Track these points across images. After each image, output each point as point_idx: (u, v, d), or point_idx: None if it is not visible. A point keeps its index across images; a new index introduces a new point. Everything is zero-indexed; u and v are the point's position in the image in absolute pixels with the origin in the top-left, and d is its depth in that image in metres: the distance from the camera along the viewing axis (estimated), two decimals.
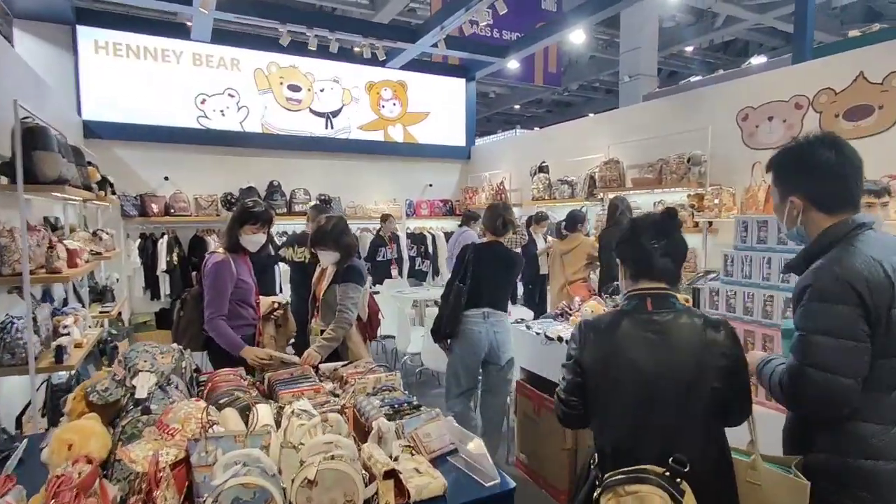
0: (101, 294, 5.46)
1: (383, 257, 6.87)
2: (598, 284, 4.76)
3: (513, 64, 8.55)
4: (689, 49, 13.02)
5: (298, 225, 7.25)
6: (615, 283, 3.59)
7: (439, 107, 8.80)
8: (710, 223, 4.76)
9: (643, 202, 5.55)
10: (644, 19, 10.10)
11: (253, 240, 2.83)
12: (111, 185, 5.34)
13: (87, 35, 6.42)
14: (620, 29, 10.64)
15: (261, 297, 3.02)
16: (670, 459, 1.30)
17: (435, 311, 6.41)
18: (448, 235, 7.64)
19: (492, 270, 3.21)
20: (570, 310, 3.52)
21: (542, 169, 7.01)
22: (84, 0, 6.40)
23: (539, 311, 5.50)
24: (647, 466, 1.32)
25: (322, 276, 3.13)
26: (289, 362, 2.66)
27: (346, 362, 2.60)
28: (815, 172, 1.39)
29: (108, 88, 6.54)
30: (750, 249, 2.12)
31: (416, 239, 7.88)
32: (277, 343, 3.02)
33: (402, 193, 8.40)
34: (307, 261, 4.39)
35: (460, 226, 6.73)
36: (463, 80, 8.97)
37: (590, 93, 17.12)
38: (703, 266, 4.81)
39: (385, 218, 6.99)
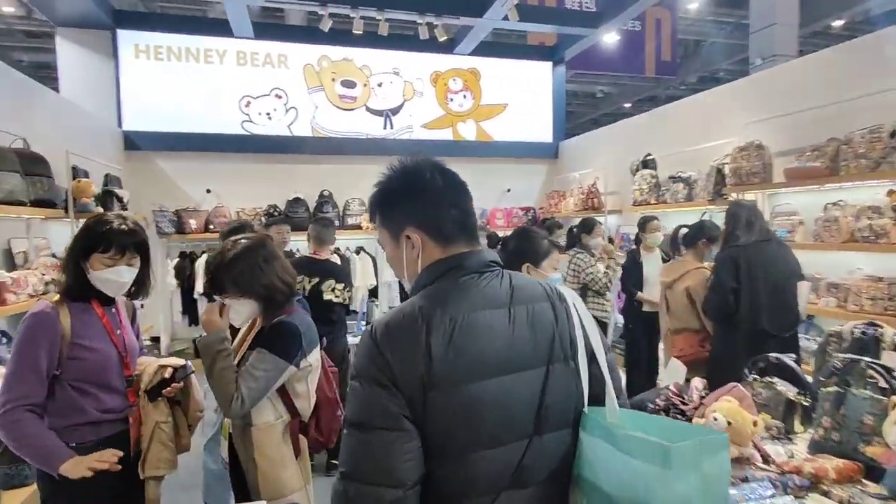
0: None
1: None
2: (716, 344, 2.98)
3: (610, 37, 6.92)
4: (839, 24, 10.23)
5: (353, 240, 6.27)
6: (765, 356, 1.98)
7: (520, 97, 7.36)
8: None
9: (805, 204, 3.70)
10: None
11: (106, 277, 1.69)
12: (119, 200, 4.68)
13: (126, 39, 5.98)
14: (750, 4, 8.45)
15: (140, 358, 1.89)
16: None
17: None
18: None
19: None
20: (684, 400, 1.97)
21: (647, 164, 5.29)
22: (123, 2, 6.00)
23: (648, 376, 3.88)
24: None
25: (243, 343, 1.94)
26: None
27: None
28: None
29: (149, 96, 6.05)
30: None
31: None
32: (175, 435, 1.86)
33: (475, 201, 7.02)
34: None
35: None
36: (549, 64, 7.46)
37: (710, 84, 14.73)
38: None
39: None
